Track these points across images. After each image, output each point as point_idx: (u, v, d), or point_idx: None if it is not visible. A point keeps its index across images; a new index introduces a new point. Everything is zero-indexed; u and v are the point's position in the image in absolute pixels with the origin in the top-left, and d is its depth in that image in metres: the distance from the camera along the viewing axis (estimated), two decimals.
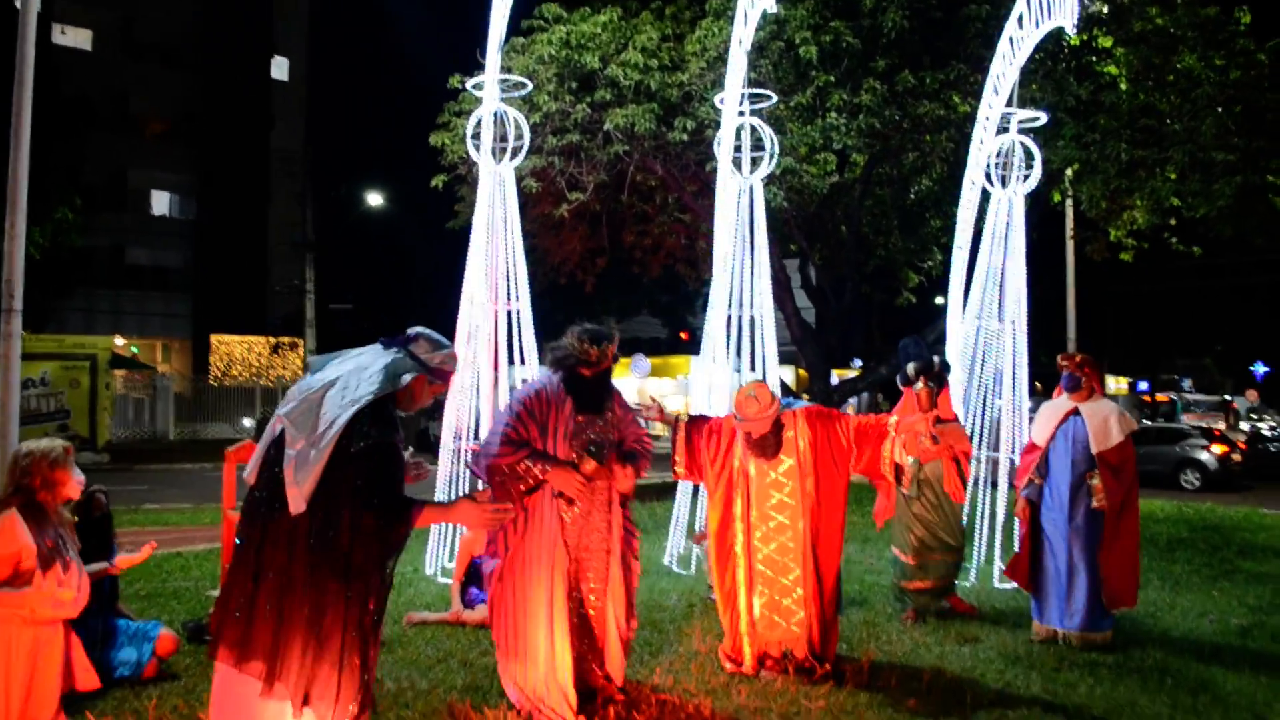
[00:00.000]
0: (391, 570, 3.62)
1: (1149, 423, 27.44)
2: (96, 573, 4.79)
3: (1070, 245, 21.21)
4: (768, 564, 5.64)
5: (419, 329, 3.80)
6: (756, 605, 5.63)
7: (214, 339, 35.52)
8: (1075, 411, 6.49)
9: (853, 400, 39.64)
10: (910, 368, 7.14)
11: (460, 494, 8.49)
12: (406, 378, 3.62)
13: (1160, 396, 40.56)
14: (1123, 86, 13.31)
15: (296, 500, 3.35)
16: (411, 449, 3.69)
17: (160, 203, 37.72)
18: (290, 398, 3.53)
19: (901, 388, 7.35)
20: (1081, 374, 6.44)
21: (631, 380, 39.39)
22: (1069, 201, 17.09)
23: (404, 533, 3.54)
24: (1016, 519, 6.91)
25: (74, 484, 4.25)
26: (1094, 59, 13.69)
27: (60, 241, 21.21)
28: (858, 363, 35.96)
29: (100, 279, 33.00)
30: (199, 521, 12.14)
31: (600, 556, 4.84)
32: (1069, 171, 14.06)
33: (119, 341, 30.82)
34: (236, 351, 36.07)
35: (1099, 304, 35.75)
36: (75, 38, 33.72)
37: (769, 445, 5.57)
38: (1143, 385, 55.50)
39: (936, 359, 7.33)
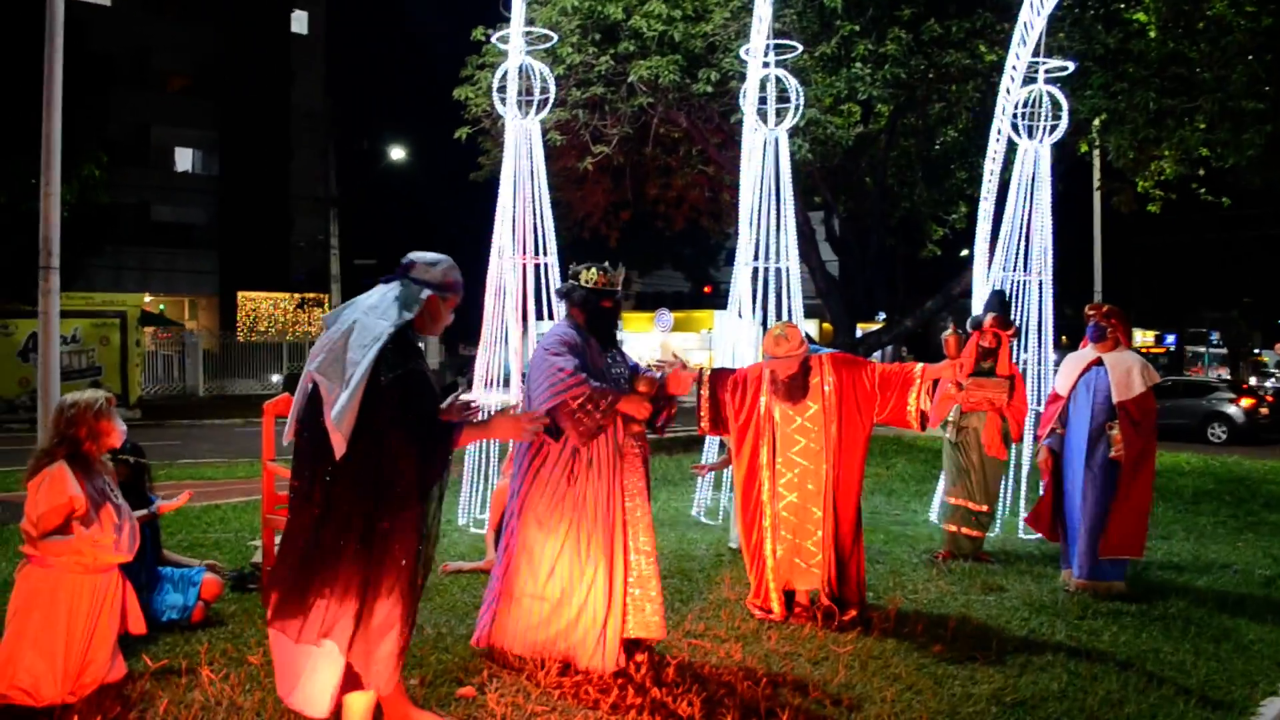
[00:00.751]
0: (436, 507, 3.72)
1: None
2: (142, 518, 4.93)
3: (1098, 196, 21.00)
4: (790, 510, 5.75)
5: (410, 255, 3.87)
6: (779, 550, 5.75)
7: (240, 295, 35.74)
8: (1099, 362, 6.51)
9: (877, 354, 39.69)
10: (980, 317, 7.36)
11: (492, 450, 8.63)
12: (418, 304, 3.72)
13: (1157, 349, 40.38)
14: (1152, 34, 13.09)
15: (339, 444, 3.46)
16: (463, 385, 3.78)
17: (184, 159, 37.85)
18: (316, 353, 3.63)
19: (969, 333, 7.57)
20: (1108, 324, 6.46)
21: (655, 335, 39.50)
22: (1096, 152, 16.89)
23: (443, 455, 3.64)
24: (1039, 469, 7.00)
25: (118, 433, 4.36)
26: (1123, 6, 13.47)
27: (87, 199, 21.31)
28: (882, 316, 35.87)
29: (127, 236, 33.20)
30: (234, 475, 12.35)
31: (641, 500, 4.89)
32: (1097, 121, 13.91)
33: (147, 299, 31.11)
34: (263, 308, 36.30)
35: (1126, 256, 35.37)
36: None
37: (796, 388, 5.66)
38: (1170, 338, 55.15)
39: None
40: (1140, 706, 4.61)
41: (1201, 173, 15.29)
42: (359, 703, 3.72)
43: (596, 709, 4.29)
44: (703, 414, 5.88)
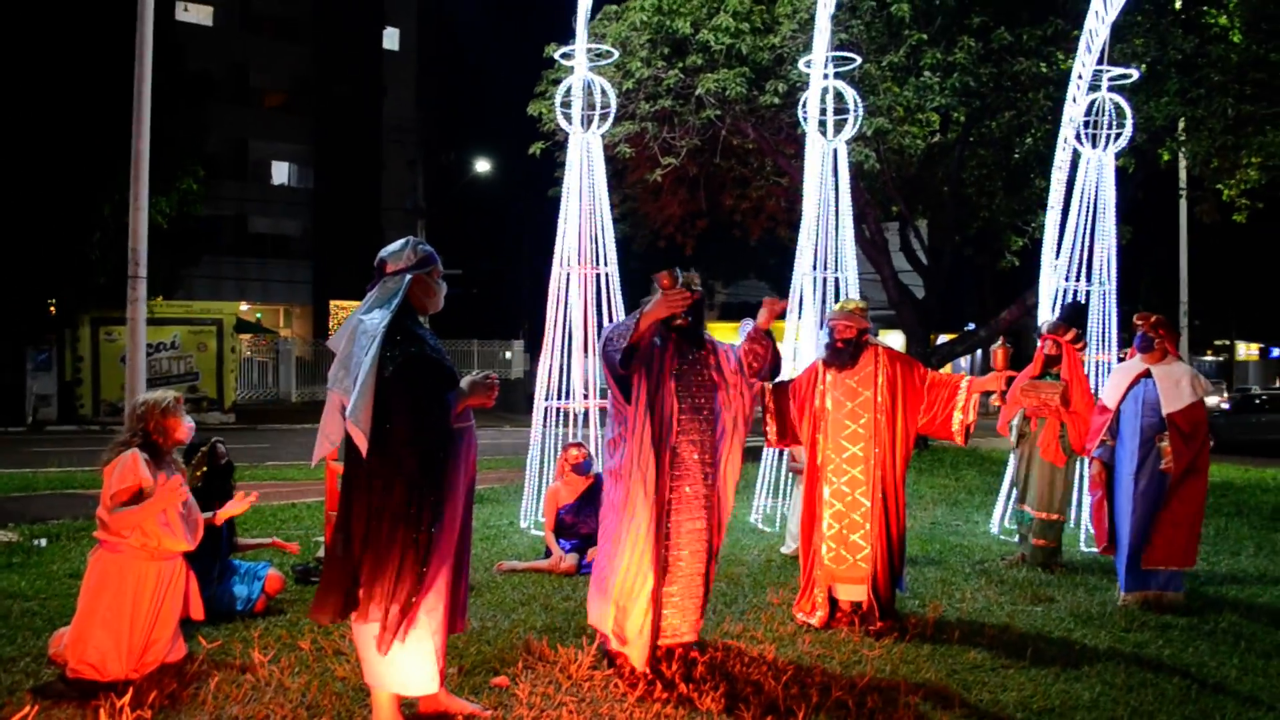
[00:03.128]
0: (456, 488, 3.90)
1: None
2: (207, 519, 5.24)
3: (1183, 206, 20.49)
4: (837, 496, 5.84)
5: (379, 255, 4.10)
6: (827, 536, 5.84)
7: (333, 304, 36.74)
8: (1147, 373, 6.44)
9: (964, 364, 39.04)
10: (1049, 323, 7.51)
11: (551, 455, 8.84)
12: (401, 290, 3.94)
13: None
14: (1235, 38, 12.80)
15: (361, 441, 3.70)
16: (490, 375, 3.94)
17: (279, 172, 39.08)
18: (331, 371, 3.91)
19: (1039, 340, 7.65)
20: (1155, 335, 6.39)
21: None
22: (1182, 159, 16.51)
23: (443, 430, 3.82)
24: (1088, 480, 6.96)
25: (184, 429, 4.71)
26: (1204, 9, 13.18)
27: (185, 211, 22.23)
28: (971, 327, 35.42)
29: (224, 247, 34.42)
30: (315, 476, 12.79)
31: (700, 503, 5.04)
32: (1180, 128, 13.63)
33: (243, 307, 32.21)
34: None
35: (1223, 267, 34.24)
36: (196, 14, 35.08)
37: (848, 355, 5.81)
38: (1276, 351, 53.17)
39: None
40: (1172, 718, 4.59)
41: None
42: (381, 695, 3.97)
43: (624, 702, 4.44)
44: (770, 425, 6.02)
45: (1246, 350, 53.87)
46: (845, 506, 5.83)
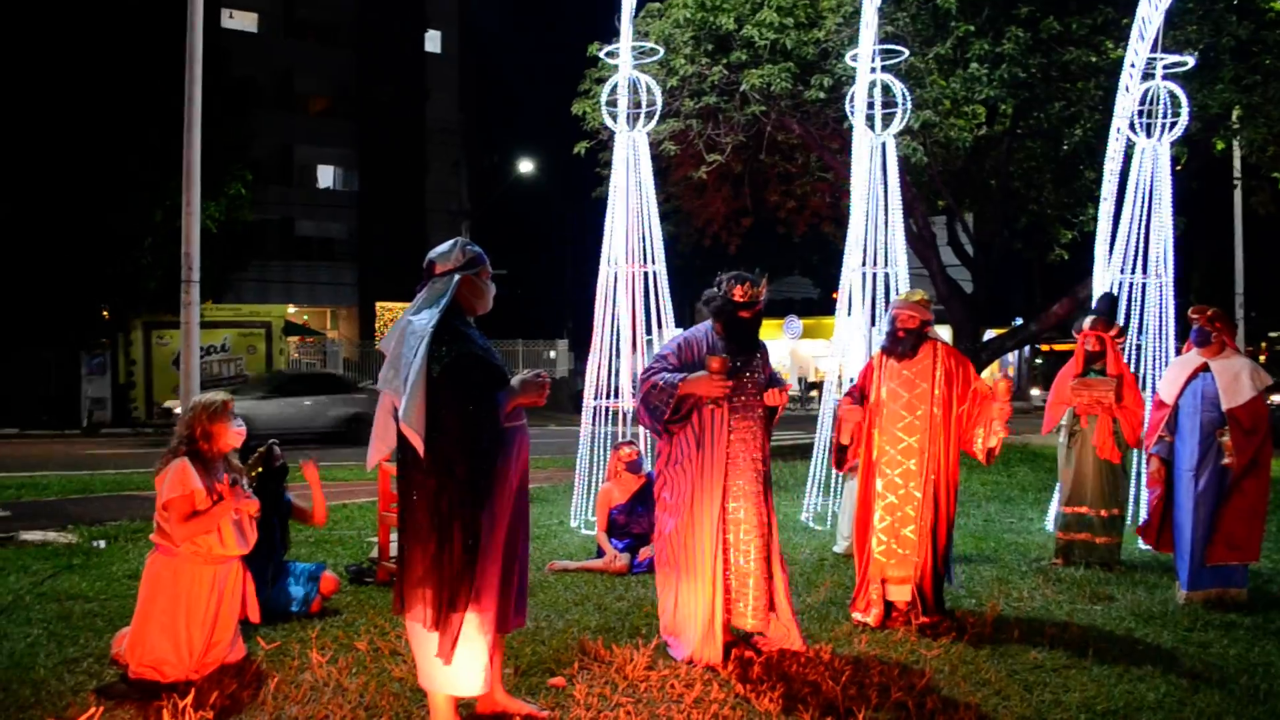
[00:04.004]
0: (508, 486, 3.90)
1: None
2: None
3: (1238, 196, 20.10)
4: (890, 488, 5.79)
5: (428, 256, 4.11)
6: (878, 529, 5.80)
7: (378, 305, 37.09)
8: (1205, 367, 6.31)
9: (1011, 359, 38.59)
10: (1082, 321, 7.48)
11: (600, 454, 8.84)
12: (449, 291, 3.94)
13: None
14: None
15: (416, 441, 3.72)
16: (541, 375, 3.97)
17: (325, 176, 39.53)
18: (382, 375, 3.93)
19: (1075, 335, 7.62)
20: (1212, 328, 6.26)
21: (784, 342, 39.26)
22: (1236, 147, 16.18)
23: (493, 429, 3.83)
24: (1146, 477, 6.83)
25: (231, 434, 4.69)
26: None
27: (234, 216, 22.56)
28: (1019, 321, 35.04)
29: (272, 251, 34.86)
30: (363, 477, 12.91)
31: (753, 499, 5.06)
32: (1234, 116, 13.36)
33: (291, 310, 32.61)
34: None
35: (1277, 258, 33.55)
36: (242, 21, 35.57)
37: (909, 345, 5.78)
38: None
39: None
40: (1240, 719, 4.49)
41: None
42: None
43: (680, 703, 4.42)
44: (848, 441, 5.95)
45: None
46: (899, 500, 5.79)
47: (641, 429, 8.56)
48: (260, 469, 5.92)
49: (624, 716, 4.22)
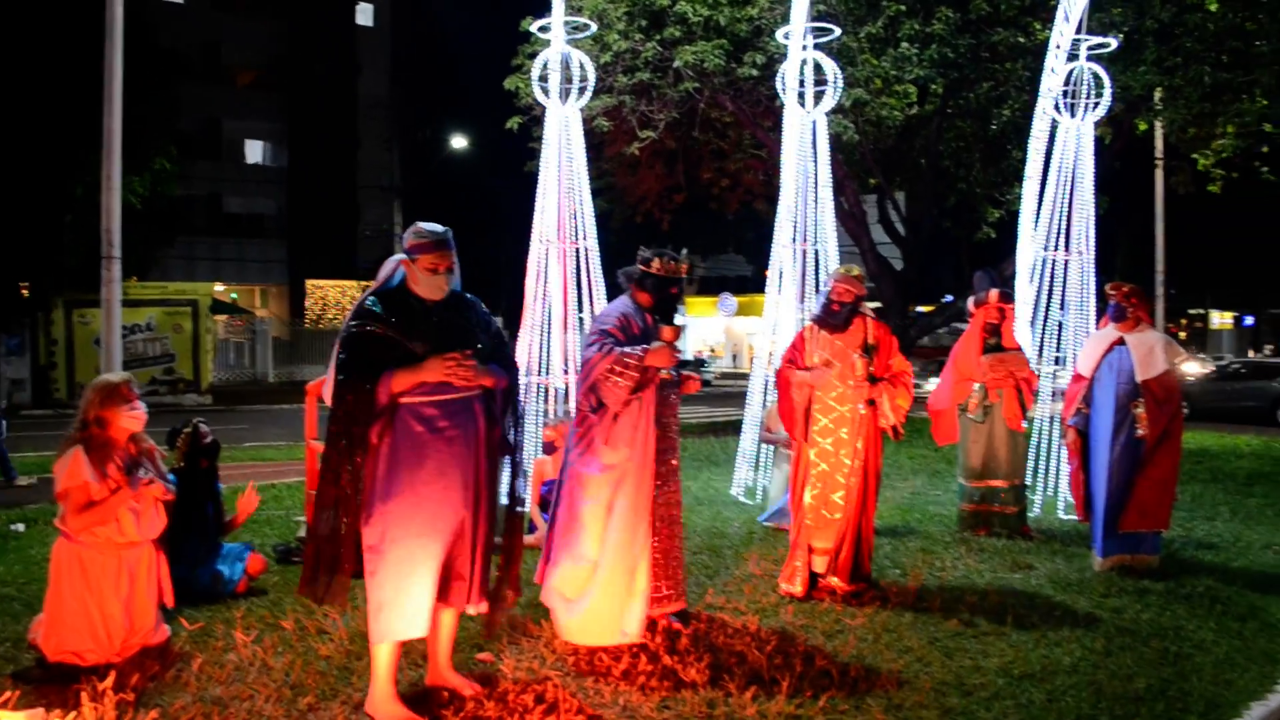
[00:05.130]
0: (428, 460, 3.94)
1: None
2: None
3: (1159, 176, 20.60)
4: (822, 456, 5.90)
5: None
6: (810, 496, 5.89)
7: (309, 283, 36.54)
8: (1121, 341, 6.49)
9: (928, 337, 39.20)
10: (981, 295, 7.61)
11: (533, 430, 8.82)
12: (386, 269, 4.06)
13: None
14: (1211, 7, 12.82)
15: (326, 401, 3.98)
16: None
17: (254, 151, 38.75)
18: None
19: (971, 310, 7.78)
20: (1128, 304, 6.44)
21: (719, 319, 39.48)
22: (1158, 128, 16.57)
23: (370, 399, 3.87)
24: (1066, 450, 7.02)
25: (126, 418, 4.47)
26: None
27: (159, 191, 22.03)
28: (949, 299, 35.63)
29: (199, 227, 34.13)
30: (294, 456, 12.75)
31: (672, 477, 5.10)
32: (1156, 97, 13.68)
33: (219, 288, 31.98)
34: (331, 295, 37.07)
35: (1196, 236, 34.51)
36: None
37: (842, 319, 5.90)
38: (1249, 320, 53.71)
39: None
40: (1151, 681, 4.63)
41: (1265, 150, 14.93)
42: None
43: (609, 676, 4.45)
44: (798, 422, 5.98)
45: (1220, 319, 54.37)
46: (830, 467, 5.89)
47: (574, 405, 8.56)
48: (187, 449, 5.83)
49: (552, 690, 4.24)
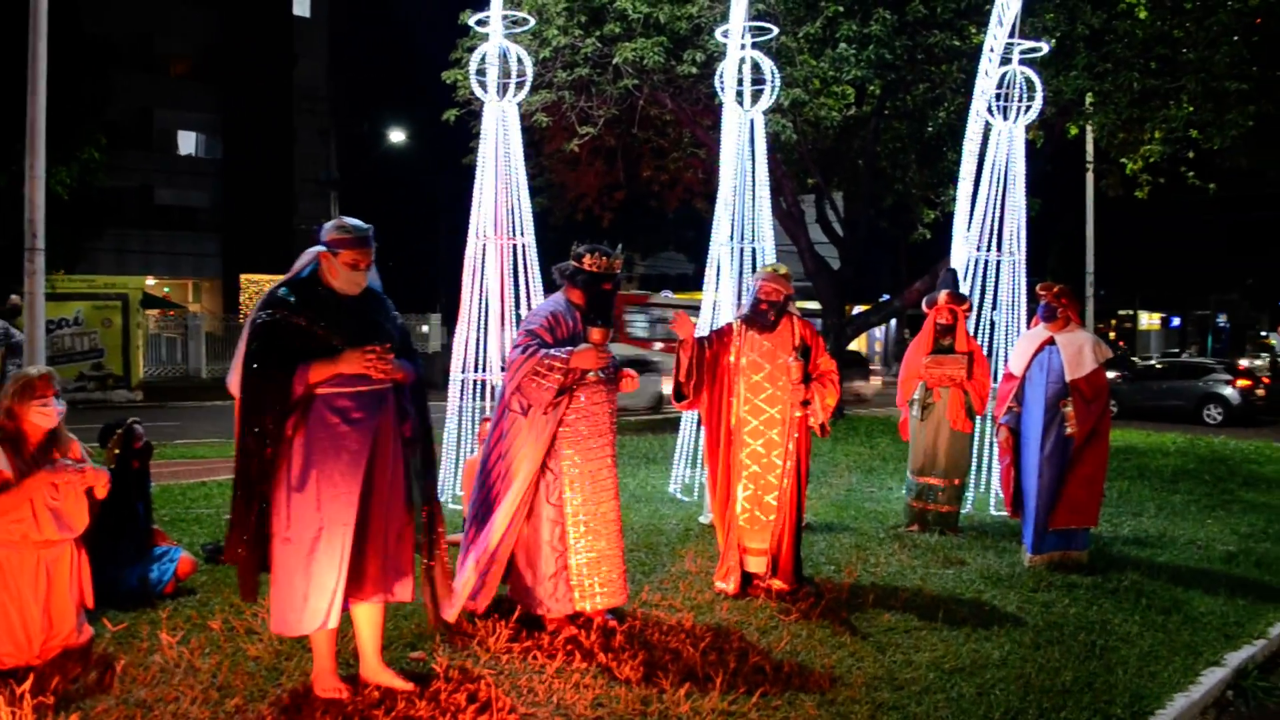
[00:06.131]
0: (335, 452, 3.93)
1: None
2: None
3: (1090, 179, 21.04)
4: (753, 458, 5.90)
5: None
6: (742, 498, 5.88)
7: (243, 278, 35.87)
8: (1051, 341, 6.61)
9: (879, 334, 39.66)
10: (935, 295, 7.76)
11: (469, 428, 8.76)
12: (302, 261, 4.07)
13: None
14: (1141, 14, 13.12)
15: (232, 391, 3.95)
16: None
17: (187, 142, 37.96)
18: None
19: (925, 310, 7.88)
20: (1058, 304, 6.57)
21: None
22: (1088, 132, 16.91)
23: (284, 390, 3.87)
24: (998, 448, 7.13)
25: (37, 414, 4.29)
26: None
27: (88, 182, 21.47)
28: (886, 298, 36.05)
29: (130, 219, 33.35)
30: (225, 454, 12.51)
31: (603, 482, 5.07)
32: (1088, 102, 13.96)
33: (150, 281, 31.29)
34: (266, 290, 36.40)
35: (1125, 239, 35.36)
36: None
37: (769, 319, 5.88)
38: (1175, 321, 55.13)
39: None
40: (1078, 674, 4.73)
41: (1191, 155, 15.32)
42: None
43: (543, 673, 4.43)
44: (685, 378, 5.87)
45: (1148, 320, 55.72)
46: (761, 468, 5.90)
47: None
48: (119, 450, 5.69)
49: (485, 689, 4.21)
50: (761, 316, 5.90)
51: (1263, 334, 48.66)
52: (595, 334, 4.88)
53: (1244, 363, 24.47)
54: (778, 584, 5.83)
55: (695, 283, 40.95)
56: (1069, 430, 6.50)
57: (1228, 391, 21.21)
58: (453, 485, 8.80)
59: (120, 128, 30.25)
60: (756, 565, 5.93)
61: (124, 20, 33.37)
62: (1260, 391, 21.71)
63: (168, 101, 36.18)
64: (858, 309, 22.35)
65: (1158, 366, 23.83)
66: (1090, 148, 18.21)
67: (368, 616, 4.19)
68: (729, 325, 6.08)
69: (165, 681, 4.24)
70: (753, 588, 5.88)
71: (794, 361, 5.81)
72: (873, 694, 4.33)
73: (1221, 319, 49.23)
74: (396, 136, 32.60)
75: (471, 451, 8.82)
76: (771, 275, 5.98)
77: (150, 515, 5.98)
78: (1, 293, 13.09)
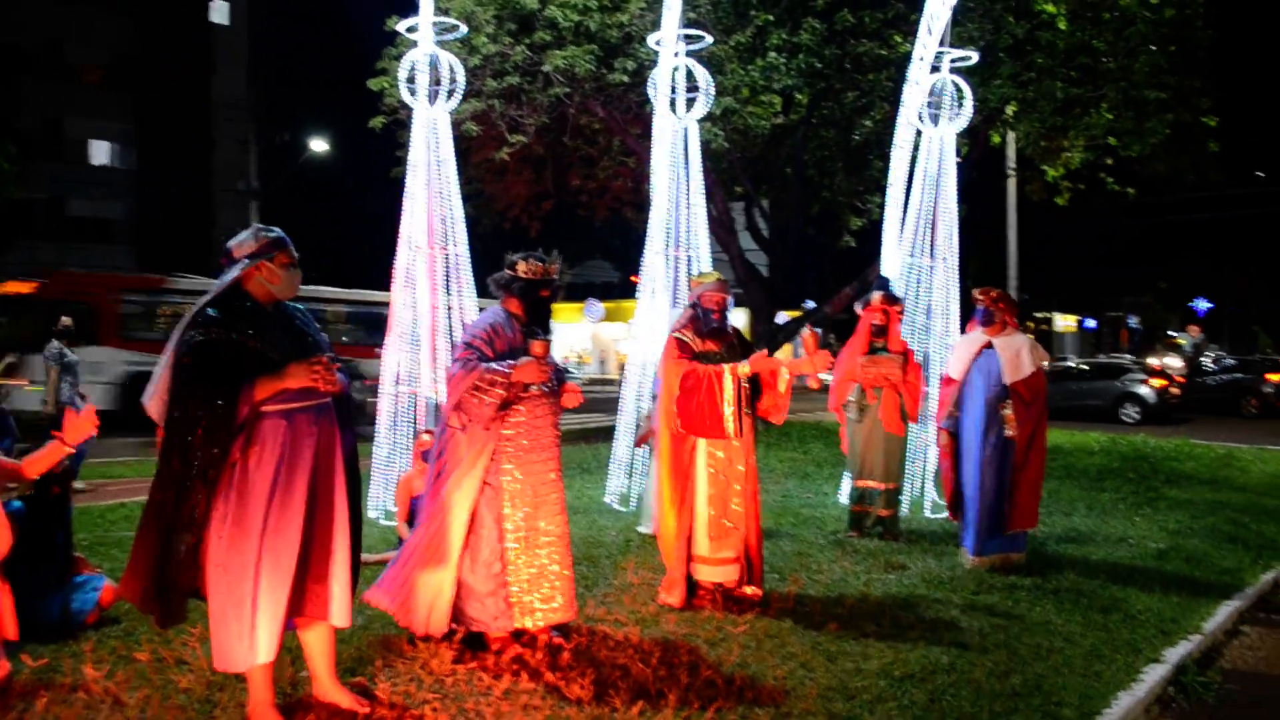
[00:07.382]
0: (277, 460, 3.78)
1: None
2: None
3: (1011, 185, 21.47)
4: (715, 463, 5.82)
5: (226, 245, 4.01)
6: (707, 505, 5.79)
7: None
8: (989, 345, 6.67)
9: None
10: (868, 297, 7.81)
11: (405, 439, 8.57)
12: (230, 276, 3.88)
13: None
14: (1061, 25, 13.41)
15: (153, 415, 3.71)
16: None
17: (100, 152, 36.90)
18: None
19: (859, 313, 7.94)
20: (996, 308, 6.63)
21: (585, 325, 39.41)
22: (1010, 140, 17.25)
23: (230, 412, 3.69)
24: (939, 451, 7.17)
25: None
26: None
27: None
28: (810, 304, 36.32)
29: (40, 231, 32.39)
30: (144, 474, 12.09)
31: (547, 497, 4.95)
32: (1009, 110, 14.22)
33: None
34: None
35: (1045, 243, 36.23)
36: None
37: (719, 326, 5.85)
38: (1090, 323, 56.56)
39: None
40: (1026, 676, 4.75)
41: (1110, 162, 15.70)
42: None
43: (489, 695, 4.30)
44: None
45: (1064, 322, 57.10)
46: (727, 477, 5.82)
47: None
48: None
49: (430, 714, 4.07)
50: (715, 324, 5.85)
51: (1171, 334, 50.17)
52: (537, 347, 4.75)
53: (1157, 362, 25.16)
54: (751, 590, 5.77)
55: (622, 291, 41.01)
56: (1009, 433, 6.55)
57: (1144, 391, 21.78)
58: (385, 501, 8.60)
59: (30, 137, 29.32)
60: (724, 575, 5.83)
61: (33, 27, 32.38)
62: (1175, 391, 22.35)
63: (80, 110, 35.16)
64: (785, 315, 22.51)
65: (1081, 368, 24.35)
66: (1013, 155, 18.57)
67: (318, 637, 4.05)
68: (687, 340, 5.90)
69: (90, 719, 4.01)
70: (698, 599, 5.81)
71: (747, 365, 5.72)
72: (827, 705, 4.28)
73: (1133, 320, 50.67)
74: (319, 146, 32.04)
75: (404, 467, 8.63)
76: (717, 283, 5.94)
77: (70, 542, 5.71)
78: None
